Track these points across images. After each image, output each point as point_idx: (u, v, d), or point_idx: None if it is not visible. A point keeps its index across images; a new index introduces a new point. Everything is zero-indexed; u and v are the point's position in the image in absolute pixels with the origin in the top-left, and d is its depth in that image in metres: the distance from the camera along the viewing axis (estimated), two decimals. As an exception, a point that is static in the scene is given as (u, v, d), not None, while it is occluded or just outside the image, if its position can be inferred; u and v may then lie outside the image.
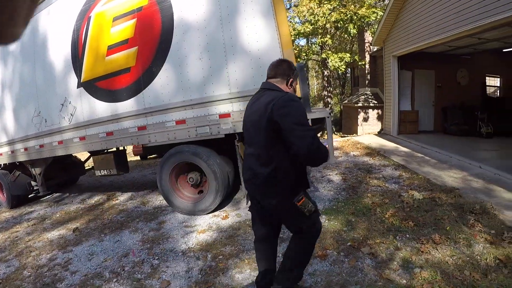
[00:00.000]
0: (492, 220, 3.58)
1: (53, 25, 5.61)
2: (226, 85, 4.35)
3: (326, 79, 14.92)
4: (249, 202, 2.43)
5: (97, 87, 5.25)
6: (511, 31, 6.64)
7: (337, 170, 6.37)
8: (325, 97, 15.44)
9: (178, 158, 4.87)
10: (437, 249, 3.12)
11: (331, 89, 16.13)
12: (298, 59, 13.30)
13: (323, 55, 12.48)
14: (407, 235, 3.46)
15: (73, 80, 5.45)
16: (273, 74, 2.17)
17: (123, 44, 4.95)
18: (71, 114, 5.57)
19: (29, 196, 7.03)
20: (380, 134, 10.93)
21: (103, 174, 6.09)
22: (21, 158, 6.56)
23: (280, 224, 2.43)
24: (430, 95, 10.56)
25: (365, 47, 12.66)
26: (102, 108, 5.25)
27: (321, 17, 10.88)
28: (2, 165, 7.18)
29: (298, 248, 2.23)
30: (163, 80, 4.71)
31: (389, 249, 3.24)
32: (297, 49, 13.14)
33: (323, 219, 4.11)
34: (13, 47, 6.11)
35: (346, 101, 14.16)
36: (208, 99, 4.48)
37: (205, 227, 4.42)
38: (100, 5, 5.13)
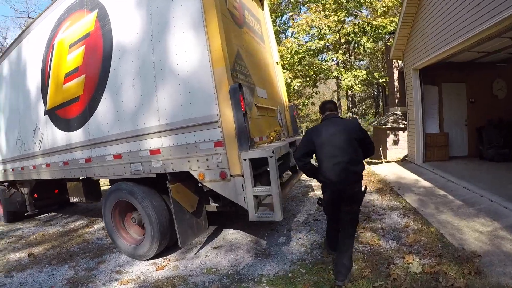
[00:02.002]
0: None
1: (30, 53, 5.41)
2: (155, 116, 3.52)
3: (350, 99, 13.33)
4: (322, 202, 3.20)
5: (57, 116, 4.84)
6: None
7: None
8: (350, 119, 13.83)
9: (117, 195, 4.12)
10: None
11: (356, 110, 14.37)
12: (303, 80, 11.91)
13: (335, 73, 10.97)
14: None
15: (41, 107, 5.14)
16: (335, 108, 3.14)
17: (75, 72, 4.49)
18: (40, 141, 5.25)
19: (25, 214, 6.85)
20: (404, 161, 9.05)
21: (76, 201, 5.64)
22: (11, 177, 6.52)
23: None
24: (462, 113, 8.35)
25: (393, 62, 10.91)
26: (60, 137, 4.83)
27: (328, 30, 9.52)
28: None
29: (354, 231, 3.05)
30: (103, 110, 4.08)
31: None
32: (302, 68, 11.83)
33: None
34: (6, 72, 6.08)
35: (375, 122, 12.39)
36: (140, 131, 3.70)
37: (133, 276, 3.71)
38: (61, 32, 4.75)
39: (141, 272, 3.78)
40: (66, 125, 4.67)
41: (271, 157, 2.77)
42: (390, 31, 9.77)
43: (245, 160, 2.87)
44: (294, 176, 4.94)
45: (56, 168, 5.05)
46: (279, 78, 5.72)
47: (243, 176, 2.93)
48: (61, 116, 4.75)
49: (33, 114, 5.32)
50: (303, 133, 3.51)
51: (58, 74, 4.74)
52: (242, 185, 2.96)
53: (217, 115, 3.02)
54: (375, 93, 23.40)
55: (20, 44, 5.64)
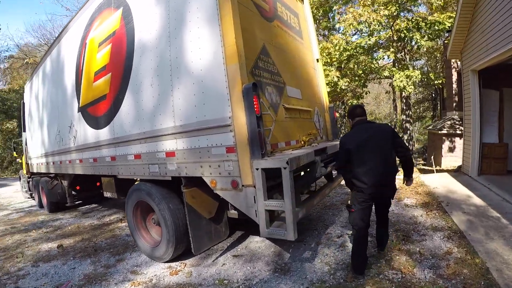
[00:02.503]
0: None
1: (67, 51, 5.58)
2: (171, 117, 3.34)
3: (404, 101, 12.16)
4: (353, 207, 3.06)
5: (88, 113, 4.91)
6: None
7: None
8: (404, 122, 12.63)
9: (138, 195, 4.04)
10: None
11: (411, 112, 13.10)
12: (352, 79, 11.02)
13: (385, 73, 9.96)
14: None
15: (76, 104, 5.28)
16: (364, 113, 3.17)
17: (103, 71, 4.49)
18: (74, 137, 5.41)
19: (66, 204, 7.21)
20: (457, 172, 7.97)
21: (109, 196, 5.74)
22: (51, 170, 6.85)
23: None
24: (526, 122, 7.12)
25: (452, 63, 9.72)
26: (90, 134, 4.90)
27: (377, 25, 8.63)
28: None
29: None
30: (126, 108, 4.01)
31: None
32: (349, 66, 10.93)
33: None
34: (48, 69, 6.39)
35: (430, 127, 11.24)
36: (157, 132, 3.55)
37: (146, 279, 3.61)
38: (92, 30, 4.78)
39: (155, 275, 3.66)
40: (95, 122, 4.72)
41: (284, 168, 2.39)
42: (447, 28, 8.64)
43: (257, 169, 2.54)
44: (329, 184, 4.45)
45: (87, 164, 5.16)
46: (319, 76, 5.22)
47: (255, 187, 2.60)
48: (91, 114, 4.82)
49: (69, 110, 5.49)
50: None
51: (89, 72, 4.80)
52: (254, 197, 2.64)
53: (229, 117, 2.72)
54: (433, 95, 21.45)
55: (60, 43, 5.85)
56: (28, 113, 8.13)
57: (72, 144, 5.51)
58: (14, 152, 10.00)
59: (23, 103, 8.61)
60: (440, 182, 6.79)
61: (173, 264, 3.88)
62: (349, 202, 3.14)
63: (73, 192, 6.96)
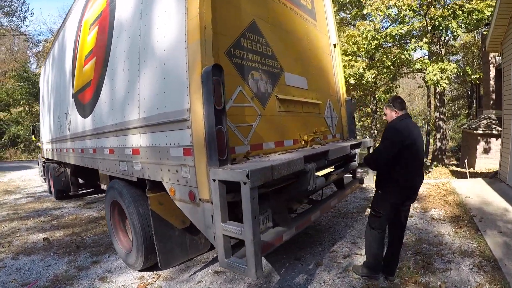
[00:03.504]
0: None
1: (68, 34, 5.25)
2: (137, 107, 2.80)
3: (438, 97, 10.76)
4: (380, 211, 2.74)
5: (78, 100, 4.56)
6: None
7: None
8: (437, 120, 11.23)
9: (111, 195, 3.56)
10: None
11: (445, 110, 11.64)
12: (380, 70, 9.77)
13: (417, 65, 8.69)
14: None
15: (71, 90, 4.93)
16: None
17: (90, 55, 4.08)
18: (69, 124, 5.10)
19: (69, 193, 7.05)
20: (493, 179, 6.75)
21: (104, 188, 5.41)
22: (55, 157, 6.70)
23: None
24: None
25: (490, 58, 8.37)
26: (79, 123, 4.54)
27: (409, 10, 7.46)
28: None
29: None
30: (103, 97, 3.55)
31: None
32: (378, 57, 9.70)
33: None
34: (55, 54, 6.18)
35: (465, 126, 9.94)
36: (125, 125, 3.04)
37: None
38: (87, 11, 4.37)
39: (123, 285, 3.19)
40: (82, 110, 4.34)
41: (244, 183, 1.72)
42: (486, 17, 7.34)
43: (214, 181, 1.90)
44: (339, 193, 3.70)
45: (77, 155, 4.85)
46: (336, 64, 4.42)
47: (212, 203, 1.97)
48: (80, 101, 4.44)
49: (67, 96, 5.18)
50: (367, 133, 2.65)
51: (81, 56, 4.41)
52: (212, 215, 2.00)
53: (187, 110, 2.09)
54: (469, 92, 19.48)
55: (65, 26, 5.56)
56: (41, 98, 8.10)
57: (67, 132, 5.23)
58: (33, 136, 10.15)
59: (39, 87, 8.64)
60: (474, 190, 5.74)
61: (146, 274, 3.37)
62: (375, 206, 2.80)
63: (76, 181, 6.75)
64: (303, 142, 3.19)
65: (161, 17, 2.43)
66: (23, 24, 23.57)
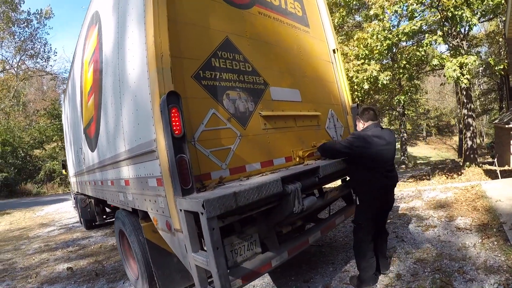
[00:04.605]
0: None
1: (76, 72, 5.53)
2: (122, 140, 2.83)
3: (464, 93, 9.98)
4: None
5: (87, 134, 4.73)
6: None
7: (398, 265, 3.37)
8: (465, 117, 10.40)
9: (117, 224, 3.61)
10: None
11: (473, 106, 10.72)
12: (396, 71, 9.29)
13: (435, 62, 8.10)
14: None
15: (82, 126, 5.15)
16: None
17: (91, 91, 4.23)
18: (84, 159, 5.30)
19: (95, 223, 7.30)
20: None
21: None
22: (79, 189, 6.94)
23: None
24: None
25: None
26: (90, 156, 4.69)
27: (417, 3, 7.00)
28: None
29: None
30: (101, 131, 3.65)
31: None
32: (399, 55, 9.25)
33: None
34: (69, 91, 6.51)
35: (496, 121, 9.14)
36: (117, 157, 3.09)
37: None
38: (86, 50, 4.59)
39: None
40: (90, 144, 4.50)
41: (201, 213, 1.62)
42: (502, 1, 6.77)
43: (181, 210, 1.82)
44: (347, 209, 3.45)
45: (92, 187, 5.01)
46: (338, 70, 4.19)
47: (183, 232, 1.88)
48: (88, 135, 4.62)
49: (80, 131, 5.41)
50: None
51: (85, 93, 4.61)
52: (185, 245, 1.91)
53: (154, 140, 2.06)
54: (499, 84, 18.12)
55: (73, 65, 5.90)
56: (64, 134, 8.60)
57: (84, 165, 5.44)
58: (63, 170, 10.76)
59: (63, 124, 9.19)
60: (505, 193, 5.13)
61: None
62: (356, 219, 2.97)
63: (100, 211, 6.98)
64: (297, 159, 3.03)
65: (131, 49, 2.46)
66: (48, 64, 25.32)
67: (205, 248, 1.77)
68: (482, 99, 25.89)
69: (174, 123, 1.83)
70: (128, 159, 2.67)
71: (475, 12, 7.32)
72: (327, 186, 4.18)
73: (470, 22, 7.31)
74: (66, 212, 10.99)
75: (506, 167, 7.43)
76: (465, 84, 7.55)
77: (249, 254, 2.19)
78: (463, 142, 12.15)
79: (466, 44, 12.18)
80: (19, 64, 24.71)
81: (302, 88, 3.42)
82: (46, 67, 25.37)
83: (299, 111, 3.27)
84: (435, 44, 8.07)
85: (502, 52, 16.44)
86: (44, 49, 24.17)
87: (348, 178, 3.58)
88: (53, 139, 24.01)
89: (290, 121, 3.14)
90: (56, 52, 41.57)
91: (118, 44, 2.78)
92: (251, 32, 2.95)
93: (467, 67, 7.14)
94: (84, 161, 5.31)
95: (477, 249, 3.39)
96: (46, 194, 23.00)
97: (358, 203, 2.86)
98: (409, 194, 6.37)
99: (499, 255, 3.16)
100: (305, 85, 3.48)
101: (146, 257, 2.97)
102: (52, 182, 24.18)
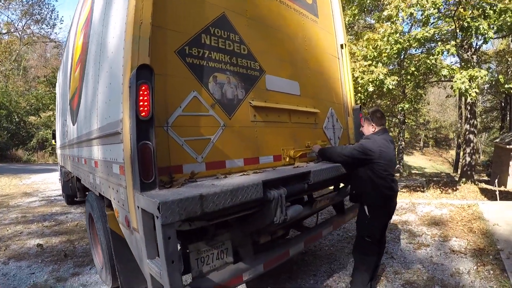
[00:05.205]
0: None
1: (71, 39, 5.15)
2: (96, 116, 2.50)
3: (469, 108, 9.67)
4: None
5: (71, 106, 4.40)
6: None
7: (385, 286, 3.08)
8: (467, 133, 10.10)
9: (87, 207, 3.32)
10: None
11: (476, 122, 10.40)
12: (403, 78, 8.95)
13: (444, 72, 7.75)
14: None
15: (68, 96, 4.81)
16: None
17: (78, 61, 3.88)
18: (67, 131, 4.98)
19: (75, 199, 7.01)
20: None
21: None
22: (61, 162, 6.66)
23: None
24: None
25: None
26: (71, 130, 4.36)
27: (434, 8, 6.64)
28: None
29: None
30: (82, 105, 3.32)
31: None
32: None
33: None
34: (64, 59, 6.16)
35: (497, 140, 8.87)
36: (90, 135, 2.76)
37: None
38: (81, 16, 4.21)
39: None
40: (72, 117, 4.18)
41: (157, 217, 1.32)
42: None
43: (138, 208, 1.52)
44: (336, 219, 3.21)
45: (71, 162, 4.72)
46: (344, 68, 3.86)
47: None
48: (72, 107, 4.29)
49: (66, 102, 5.09)
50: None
51: (74, 62, 4.27)
52: (141, 248, 1.61)
53: (120, 121, 1.74)
54: (502, 104, 17.91)
55: (70, 31, 5.52)
56: (56, 101, 8.25)
57: (66, 138, 5.13)
58: (53, 141, 10.39)
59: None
60: (504, 216, 4.87)
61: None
62: (365, 232, 2.69)
63: (82, 187, 6.69)
64: (287, 159, 2.71)
65: (114, 15, 2.12)
66: (53, 31, 24.63)
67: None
68: (484, 116, 25.67)
69: (141, 103, 1.51)
70: (98, 138, 2.35)
71: (491, 26, 6.94)
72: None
73: (486, 35, 6.95)
74: (52, 183, 10.68)
75: (503, 188, 7.16)
76: (473, 97, 7.23)
77: (218, 264, 1.90)
78: (462, 158, 11.90)
79: (476, 59, 11.82)
80: (24, 28, 24.07)
81: (303, 80, 3.10)
82: (51, 34, 24.81)
83: (296, 105, 2.95)
84: (447, 54, 7.71)
85: (510, 72, 16.14)
86: (51, 16, 23.61)
87: (344, 186, 3.29)
88: (50, 107, 23.36)
89: (284, 115, 2.82)
90: (63, 21, 39.62)
91: (105, 10, 2.44)
92: (253, 12, 2.61)
93: (476, 80, 6.81)
94: (67, 134, 4.99)
95: (471, 276, 3.13)
96: (36, 162, 22.54)
97: (368, 214, 2.59)
98: (402, 206, 6.10)
99: (495, 286, 2.91)
100: (306, 78, 3.16)
101: (110, 248, 2.69)
102: (43, 150, 23.61)
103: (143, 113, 1.51)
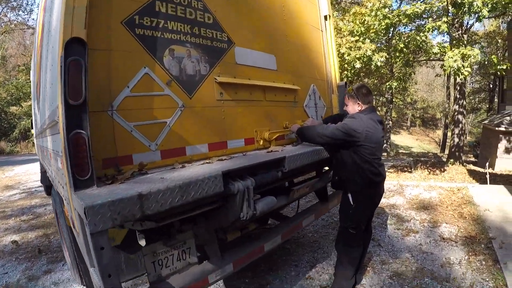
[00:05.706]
0: None
1: (39, 21, 4.71)
2: (47, 102, 2.22)
3: (458, 88, 9.54)
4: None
5: (36, 92, 4.05)
6: None
7: (372, 278, 2.91)
8: (456, 113, 10.01)
9: (52, 201, 3.09)
10: None
11: (465, 102, 10.29)
12: (392, 55, 8.71)
13: (434, 50, 7.54)
14: None
15: (35, 82, 4.44)
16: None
17: (40, 41, 3.50)
18: (35, 120, 4.65)
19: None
20: None
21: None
22: (37, 152, 6.33)
23: None
24: None
25: None
26: (37, 119, 4.03)
27: None
28: None
29: None
30: (41, 90, 2.99)
31: None
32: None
33: None
34: (35, 43, 5.72)
35: (486, 121, 8.83)
36: (44, 124, 2.49)
37: None
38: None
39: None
40: (38, 104, 3.85)
41: (86, 224, 1.09)
42: None
43: (75, 210, 1.30)
44: (319, 207, 3.01)
45: (40, 152, 4.42)
46: (328, 41, 3.54)
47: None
48: (36, 94, 3.96)
49: (35, 89, 4.72)
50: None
51: (38, 45, 3.91)
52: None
53: (57, 107, 1.48)
54: (491, 85, 17.96)
55: (38, 13, 5.08)
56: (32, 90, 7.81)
57: (35, 128, 4.82)
58: (32, 130, 9.95)
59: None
60: (494, 201, 4.79)
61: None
62: (350, 222, 2.50)
63: None
64: (261, 142, 2.49)
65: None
66: (30, 17, 23.34)
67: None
68: (471, 97, 25.81)
69: (70, 85, 1.25)
70: (48, 128, 2.09)
71: (485, 3, 6.67)
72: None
73: (480, 13, 6.69)
74: (34, 173, 10.30)
75: (491, 170, 7.14)
76: (466, 76, 7.04)
77: (179, 266, 1.70)
78: (450, 139, 11.89)
79: (467, 38, 11.61)
80: (1, 16, 22.80)
81: (280, 54, 2.79)
82: (28, 20, 23.51)
83: (271, 81, 2.66)
84: (438, 32, 7.44)
85: (500, 54, 16.08)
86: (27, 1, 22.34)
87: (328, 170, 3.09)
88: (30, 97, 22.58)
89: (258, 92, 2.53)
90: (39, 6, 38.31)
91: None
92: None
93: (469, 59, 6.60)
94: (35, 123, 4.69)
95: (462, 267, 3.00)
96: (20, 153, 21.94)
97: (352, 203, 2.38)
98: (390, 188, 6.02)
99: (487, 279, 2.78)
100: (285, 51, 2.86)
101: (72, 247, 2.49)
102: (26, 141, 22.94)
103: (74, 97, 1.26)
